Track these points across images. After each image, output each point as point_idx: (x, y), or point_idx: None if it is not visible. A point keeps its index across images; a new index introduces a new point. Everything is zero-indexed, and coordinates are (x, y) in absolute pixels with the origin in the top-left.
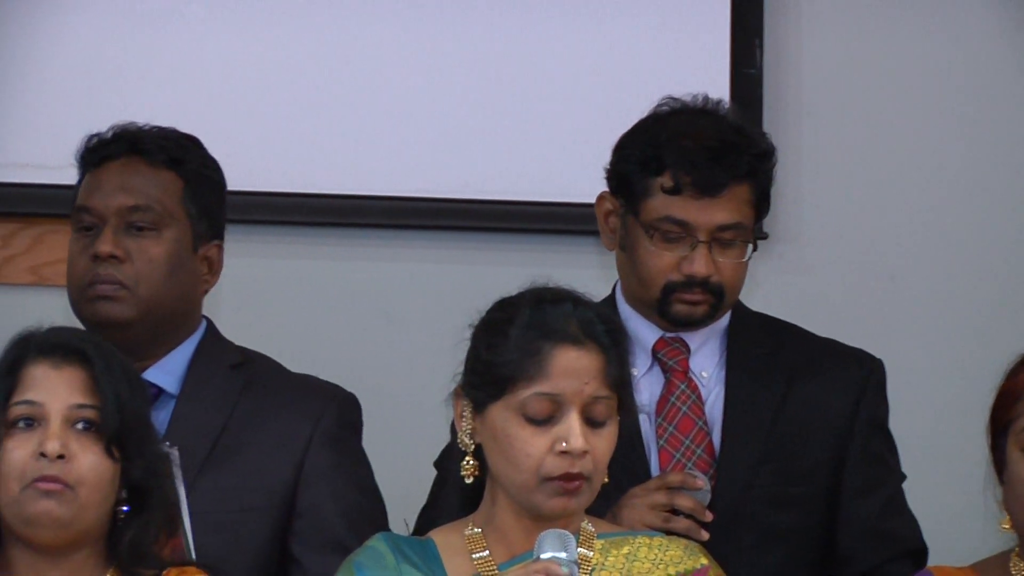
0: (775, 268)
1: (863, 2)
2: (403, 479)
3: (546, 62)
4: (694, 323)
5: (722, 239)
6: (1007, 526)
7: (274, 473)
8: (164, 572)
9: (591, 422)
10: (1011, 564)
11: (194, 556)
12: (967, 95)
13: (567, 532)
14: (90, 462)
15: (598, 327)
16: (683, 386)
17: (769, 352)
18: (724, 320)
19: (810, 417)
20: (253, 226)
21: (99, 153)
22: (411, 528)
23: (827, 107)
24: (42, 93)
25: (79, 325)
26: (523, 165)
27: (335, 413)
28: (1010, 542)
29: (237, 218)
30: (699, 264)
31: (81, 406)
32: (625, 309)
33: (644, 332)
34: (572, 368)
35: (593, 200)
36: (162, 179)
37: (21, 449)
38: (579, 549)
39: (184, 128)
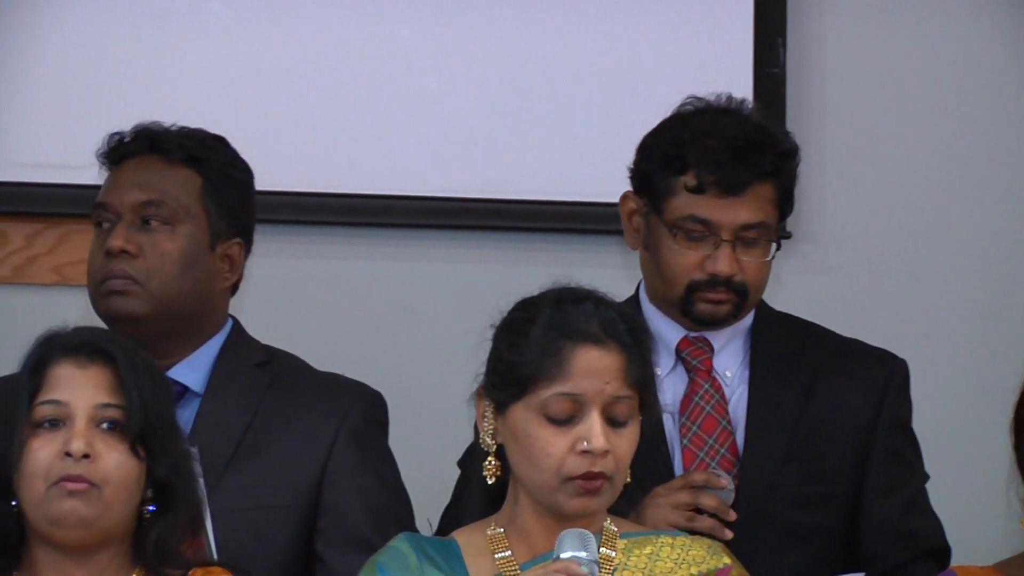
0: (798, 267)
1: (886, 1)
2: (427, 478)
3: (570, 61)
4: (718, 322)
5: (745, 238)
6: None
7: (299, 471)
8: (190, 572)
9: (612, 422)
10: None
11: (216, 555)
12: (991, 94)
13: (587, 531)
14: (115, 461)
15: (619, 326)
16: (707, 385)
17: (792, 352)
18: (748, 319)
19: (833, 417)
20: (277, 226)
21: (119, 152)
22: (434, 527)
23: (850, 106)
24: (65, 93)
25: (102, 324)
26: (547, 165)
27: (361, 411)
28: None
29: (261, 218)
30: (723, 263)
31: (106, 405)
32: (649, 308)
33: (668, 331)
34: (593, 368)
35: (617, 199)
36: (179, 176)
37: (46, 449)
38: (602, 549)
39: (207, 126)
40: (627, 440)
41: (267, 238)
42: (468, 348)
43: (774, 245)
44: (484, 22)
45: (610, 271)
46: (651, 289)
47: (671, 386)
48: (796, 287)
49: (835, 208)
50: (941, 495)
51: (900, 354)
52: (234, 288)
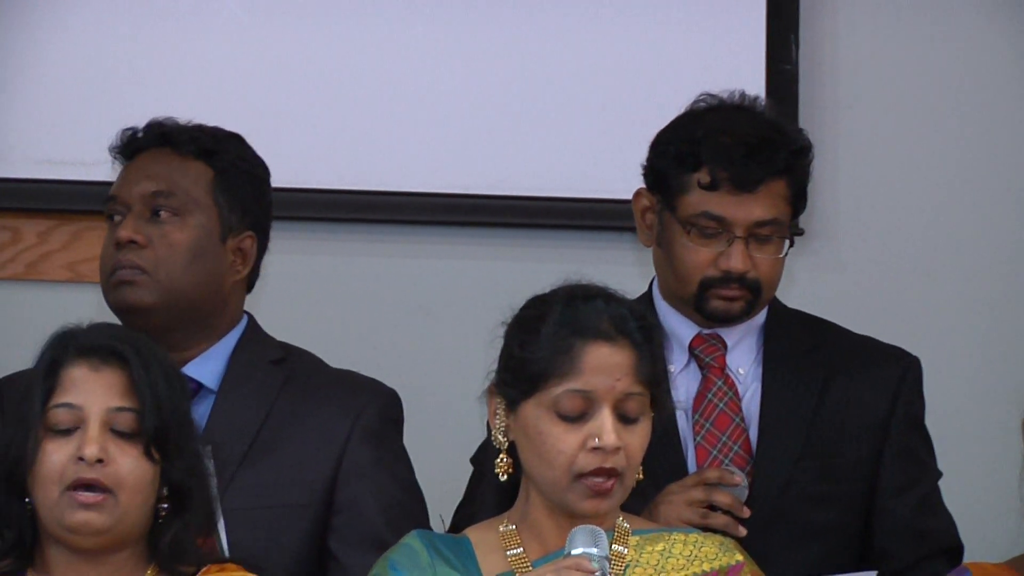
0: (811, 264)
1: None
2: (440, 475)
3: (583, 58)
4: (731, 319)
5: (759, 235)
6: None
7: (313, 469)
8: (204, 569)
9: (624, 418)
10: None
11: (227, 553)
12: (1004, 91)
13: (598, 528)
14: (129, 466)
15: (630, 323)
16: (720, 382)
17: (806, 349)
18: (761, 317)
19: (847, 415)
20: (290, 222)
21: (132, 146)
22: (447, 524)
23: (863, 103)
24: (77, 90)
25: (115, 319)
26: (561, 161)
27: (376, 409)
28: None
29: (275, 214)
30: (736, 260)
31: (120, 409)
32: (662, 305)
33: (681, 328)
34: (604, 364)
35: (630, 196)
36: (190, 168)
37: (60, 452)
38: (614, 546)
39: (222, 123)
40: (638, 437)
41: (280, 235)
42: (480, 345)
43: (787, 242)
44: (497, 18)
45: (623, 268)
46: (664, 286)
47: (684, 383)
48: (809, 284)
49: (848, 205)
50: (954, 492)
51: (912, 351)
52: (250, 285)
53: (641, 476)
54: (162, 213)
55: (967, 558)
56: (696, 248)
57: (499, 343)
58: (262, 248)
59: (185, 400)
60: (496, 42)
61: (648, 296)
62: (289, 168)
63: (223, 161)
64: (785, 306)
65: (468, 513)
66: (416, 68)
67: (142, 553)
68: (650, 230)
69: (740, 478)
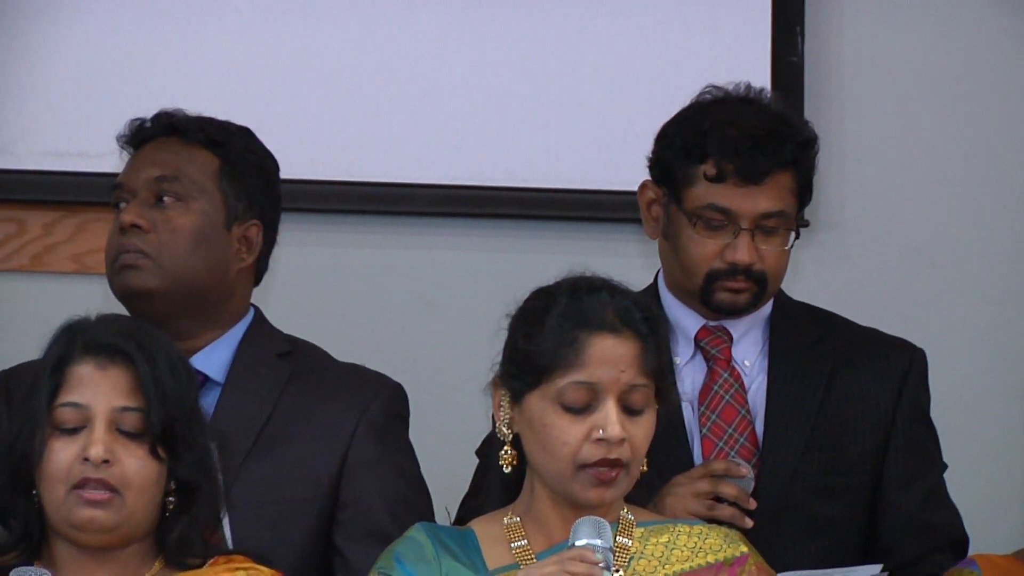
0: (817, 257)
1: None
2: (445, 467)
3: (588, 49)
4: (737, 311)
5: (765, 227)
6: None
7: (319, 463)
8: (211, 561)
9: (628, 410)
10: None
11: (231, 546)
12: (1010, 83)
13: (602, 519)
14: (135, 466)
15: (635, 315)
16: (726, 375)
17: (812, 341)
18: (766, 309)
19: (853, 407)
20: (295, 214)
21: (140, 136)
22: (452, 516)
23: (869, 95)
24: (83, 82)
25: (122, 310)
26: (566, 153)
27: (382, 403)
28: None
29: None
30: (742, 252)
31: (126, 409)
32: (668, 298)
33: (687, 321)
34: (609, 356)
35: (635, 188)
36: (196, 155)
37: (66, 452)
38: (618, 538)
39: (228, 114)
40: (643, 428)
41: (284, 227)
42: (485, 337)
43: (793, 234)
44: (501, 11)
45: (628, 260)
46: (670, 278)
47: (690, 375)
48: (815, 276)
49: (853, 197)
50: (959, 485)
51: (918, 343)
52: (257, 277)
53: (645, 468)
54: (166, 198)
55: (973, 550)
56: (702, 240)
57: (503, 335)
58: (269, 240)
59: (193, 394)
60: (501, 34)
61: (653, 288)
62: (293, 160)
63: (231, 151)
64: (791, 298)
65: (473, 505)
66: (421, 60)
67: (149, 547)
68: (656, 222)
69: (746, 470)
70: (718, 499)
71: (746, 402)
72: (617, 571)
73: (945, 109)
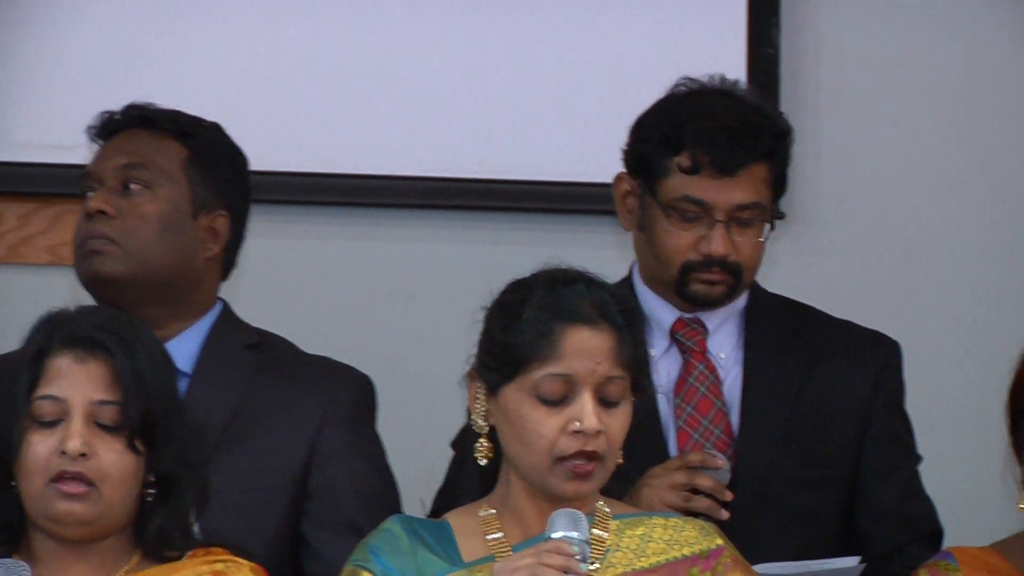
0: (792, 248)
1: None
2: (421, 459)
3: (564, 42)
4: (712, 303)
5: (740, 218)
6: None
7: (287, 454)
8: (190, 552)
9: (604, 402)
10: None
11: (199, 538)
12: (988, 75)
13: (579, 512)
14: (112, 459)
15: (611, 307)
16: (701, 367)
17: (787, 334)
18: (742, 301)
19: (828, 399)
20: (270, 206)
21: (109, 127)
22: (427, 508)
23: (845, 87)
24: (59, 74)
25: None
26: (541, 145)
27: (349, 394)
28: None
29: (255, 198)
30: (717, 243)
31: (103, 402)
32: (642, 290)
33: (662, 313)
34: (585, 348)
35: (610, 180)
36: (164, 145)
37: (44, 444)
38: (594, 530)
39: (205, 105)
40: (619, 420)
41: (260, 218)
42: (461, 329)
43: (768, 226)
44: (479, 6)
45: (604, 252)
46: (645, 270)
47: (665, 367)
48: (790, 268)
49: (830, 189)
50: (937, 477)
51: (895, 335)
52: (225, 271)
53: (621, 460)
54: (133, 186)
55: (950, 543)
56: (677, 232)
57: (478, 327)
58: (237, 232)
59: (172, 385)
60: (478, 26)
61: (628, 280)
62: (270, 151)
63: (199, 142)
64: (766, 291)
65: (448, 498)
66: (399, 52)
67: (128, 540)
68: (631, 214)
69: (722, 461)
70: (694, 491)
71: (721, 394)
72: (593, 563)
73: (921, 100)
